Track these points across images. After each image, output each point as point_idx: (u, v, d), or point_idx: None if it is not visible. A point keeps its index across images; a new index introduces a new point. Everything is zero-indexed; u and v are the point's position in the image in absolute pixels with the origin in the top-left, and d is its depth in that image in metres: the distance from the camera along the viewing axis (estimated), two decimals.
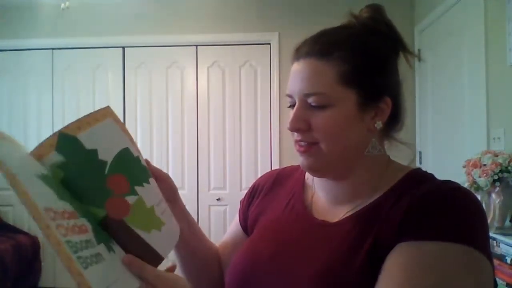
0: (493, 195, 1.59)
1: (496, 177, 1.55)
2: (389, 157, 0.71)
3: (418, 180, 0.64)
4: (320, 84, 0.64)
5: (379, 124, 0.66)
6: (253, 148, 3.32)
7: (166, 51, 3.37)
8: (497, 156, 1.60)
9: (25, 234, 3.32)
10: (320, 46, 0.65)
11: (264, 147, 3.31)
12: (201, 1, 3.33)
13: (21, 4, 3.37)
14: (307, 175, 0.79)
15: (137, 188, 0.55)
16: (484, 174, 1.57)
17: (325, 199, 0.73)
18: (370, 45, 0.66)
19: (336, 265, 0.60)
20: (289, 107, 0.69)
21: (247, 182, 3.28)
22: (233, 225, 0.88)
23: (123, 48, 3.41)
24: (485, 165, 1.60)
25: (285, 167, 0.88)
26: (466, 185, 1.65)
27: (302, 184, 0.79)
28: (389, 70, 0.68)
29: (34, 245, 3.28)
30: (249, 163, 3.32)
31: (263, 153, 3.31)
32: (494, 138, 1.98)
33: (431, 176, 0.66)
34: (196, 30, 3.34)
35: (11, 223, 3.40)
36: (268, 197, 0.82)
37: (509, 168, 1.55)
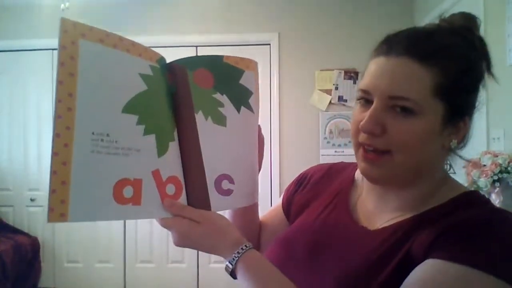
0: (493, 196, 1.59)
1: (495, 178, 1.55)
2: (447, 173, 0.68)
3: (469, 202, 0.61)
4: (413, 89, 0.58)
5: (454, 143, 0.63)
6: None
7: (166, 51, 3.35)
8: (496, 156, 1.60)
9: (25, 234, 3.31)
10: (421, 48, 0.59)
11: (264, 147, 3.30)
12: (201, 2, 3.33)
13: (21, 4, 3.37)
14: (357, 173, 0.76)
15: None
16: (484, 175, 1.57)
17: (371, 203, 0.70)
18: (471, 61, 0.62)
19: (362, 273, 0.59)
20: (359, 100, 0.64)
21: None
22: (274, 209, 0.87)
23: None
24: (484, 165, 1.60)
25: (338, 162, 0.84)
26: (465, 185, 1.65)
27: (352, 181, 0.76)
28: (478, 90, 0.64)
29: (34, 245, 3.28)
30: None
31: None
32: (493, 139, 1.98)
33: (485, 201, 0.62)
34: (196, 30, 3.33)
35: (11, 223, 3.39)
36: (315, 190, 0.80)
37: (508, 168, 1.55)
